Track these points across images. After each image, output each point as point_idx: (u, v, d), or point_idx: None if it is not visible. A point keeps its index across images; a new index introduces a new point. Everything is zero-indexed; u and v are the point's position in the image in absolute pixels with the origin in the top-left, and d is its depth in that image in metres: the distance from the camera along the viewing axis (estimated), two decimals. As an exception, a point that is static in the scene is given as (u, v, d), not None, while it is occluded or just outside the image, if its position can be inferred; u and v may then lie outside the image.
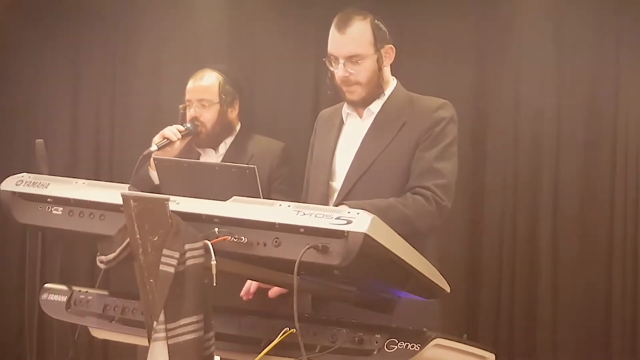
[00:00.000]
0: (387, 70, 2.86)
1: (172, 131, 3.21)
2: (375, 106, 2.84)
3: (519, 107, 4.04)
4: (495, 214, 4.05)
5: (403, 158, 2.75)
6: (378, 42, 2.77)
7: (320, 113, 3.11)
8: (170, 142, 3.19)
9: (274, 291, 2.81)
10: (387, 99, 2.85)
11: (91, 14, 4.66)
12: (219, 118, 3.38)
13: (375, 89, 2.81)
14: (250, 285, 2.89)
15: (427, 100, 2.87)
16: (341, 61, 2.75)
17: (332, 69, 2.79)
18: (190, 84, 3.42)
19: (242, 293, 2.91)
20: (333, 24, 2.78)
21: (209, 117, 3.36)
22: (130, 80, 4.64)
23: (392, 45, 2.83)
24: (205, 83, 3.40)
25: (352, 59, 2.74)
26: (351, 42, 2.74)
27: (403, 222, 2.30)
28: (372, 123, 2.83)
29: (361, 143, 2.82)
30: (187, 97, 3.40)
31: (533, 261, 3.98)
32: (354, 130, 2.88)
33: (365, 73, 2.77)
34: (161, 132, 3.21)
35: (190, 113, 3.37)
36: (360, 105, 2.85)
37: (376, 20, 2.78)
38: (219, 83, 3.41)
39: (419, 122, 2.77)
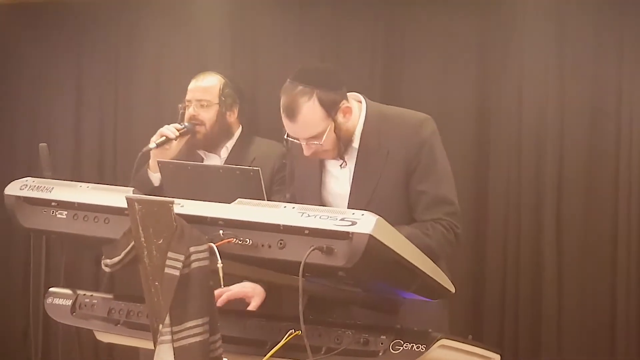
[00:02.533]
0: (350, 119, 2.71)
1: (169, 129, 3.22)
2: (355, 141, 2.75)
3: (522, 108, 4.03)
4: (499, 215, 4.05)
5: (397, 186, 2.70)
6: (330, 113, 2.64)
7: None
8: (168, 140, 3.20)
9: (253, 307, 2.80)
10: (363, 129, 2.75)
11: (93, 19, 4.66)
12: (217, 119, 3.37)
13: (344, 144, 2.71)
14: (217, 295, 2.83)
15: (404, 116, 2.78)
16: (303, 142, 2.67)
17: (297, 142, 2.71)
18: (191, 84, 3.43)
19: None
20: (282, 110, 2.66)
21: (207, 117, 3.36)
22: (132, 84, 4.65)
23: (345, 100, 2.69)
24: (206, 84, 3.41)
25: (311, 140, 2.65)
26: (305, 128, 2.64)
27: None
28: (357, 159, 2.75)
29: (353, 181, 2.74)
30: (187, 96, 3.41)
31: (537, 262, 3.97)
32: (338, 167, 2.80)
33: (329, 142, 2.67)
34: (159, 130, 3.22)
35: (189, 112, 3.37)
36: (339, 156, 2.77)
37: (323, 91, 2.63)
38: (220, 85, 3.41)
39: (403, 147, 2.70)
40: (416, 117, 2.76)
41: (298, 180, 2.91)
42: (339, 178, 2.79)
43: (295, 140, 2.68)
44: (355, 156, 2.75)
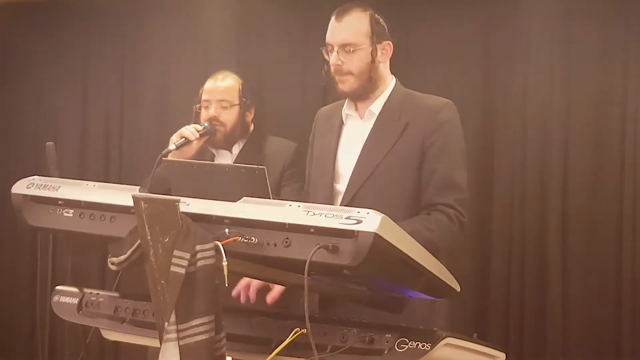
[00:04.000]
0: (384, 67, 2.81)
1: (190, 131, 3.20)
2: (376, 107, 2.80)
3: (527, 105, 4.03)
4: (504, 213, 4.04)
5: (407, 160, 2.71)
6: (375, 36, 2.74)
7: (318, 111, 3.07)
8: (188, 142, 3.18)
9: (271, 298, 2.80)
10: (388, 99, 2.80)
11: (100, 17, 4.68)
12: (238, 120, 3.37)
13: (367, 82, 2.76)
14: (245, 287, 2.85)
15: (429, 100, 2.83)
16: (335, 49, 2.73)
17: (327, 57, 2.77)
18: (209, 84, 3.40)
19: (234, 294, 2.86)
20: (332, 16, 2.78)
21: (229, 118, 3.35)
22: (139, 82, 4.66)
23: (390, 42, 2.79)
24: (226, 84, 3.40)
25: (345, 47, 2.72)
26: (346, 30, 2.73)
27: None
28: (374, 125, 2.78)
29: (364, 145, 2.77)
30: (206, 97, 3.38)
31: (542, 260, 3.97)
32: (355, 131, 2.83)
33: (358, 63, 2.73)
34: (179, 132, 3.20)
35: (209, 113, 3.34)
36: (353, 98, 2.81)
37: (377, 15, 2.77)
38: (240, 86, 3.40)
39: (422, 124, 2.72)
40: (440, 100, 2.82)
41: (316, 150, 2.95)
42: (355, 144, 2.80)
43: (327, 55, 2.75)
44: (374, 122, 2.79)
